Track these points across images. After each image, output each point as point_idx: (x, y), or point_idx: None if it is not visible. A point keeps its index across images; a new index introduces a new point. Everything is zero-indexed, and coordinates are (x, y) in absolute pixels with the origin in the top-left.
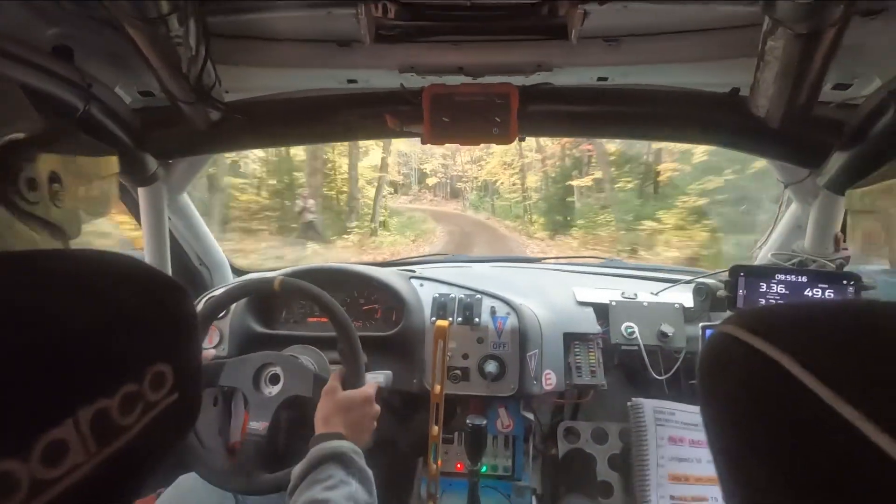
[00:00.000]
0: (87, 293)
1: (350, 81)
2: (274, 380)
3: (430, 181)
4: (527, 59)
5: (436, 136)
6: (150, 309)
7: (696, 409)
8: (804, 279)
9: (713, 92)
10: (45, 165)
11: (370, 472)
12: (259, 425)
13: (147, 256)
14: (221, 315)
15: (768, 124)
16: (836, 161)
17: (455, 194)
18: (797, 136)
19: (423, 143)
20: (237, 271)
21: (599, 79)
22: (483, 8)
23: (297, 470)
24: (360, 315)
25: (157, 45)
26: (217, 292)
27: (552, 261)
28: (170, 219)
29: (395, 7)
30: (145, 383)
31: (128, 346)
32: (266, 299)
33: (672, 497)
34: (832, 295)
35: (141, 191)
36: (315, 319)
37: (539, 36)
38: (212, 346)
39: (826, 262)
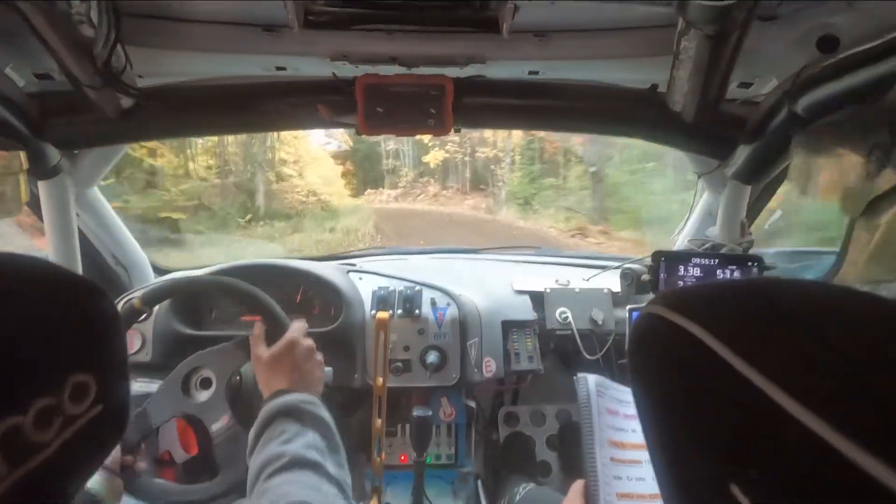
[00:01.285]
0: None
1: (278, 68)
2: (206, 383)
3: (434, 161)
4: (460, 51)
5: (370, 126)
6: (65, 313)
7: (623, 387)
8: (716, 262)
9: (635, 88)
10: None
11: (327, 417)
12: (221, 422)
13: (52, 257)
14: (142, 318)
15: (683, 119)
16: (741, 153)
17: (481, 182)
18: (708, 130)
19: (358, 133)
20: (160, 271)
21: (531, 73)
22: None
23: (251, 432)
24: (296, 311)
25: (55, 24)
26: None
27: (489, 251)
28: (78, 215)
29: None
30: (64, 396)
31: (40, 356)
32: (193, 299)
33: (612, 459)
34: (739, 275)
35: (42, 185)
36: (249, 318)
37: (472, 28)
38: (132, 352)
39: (734, 246)
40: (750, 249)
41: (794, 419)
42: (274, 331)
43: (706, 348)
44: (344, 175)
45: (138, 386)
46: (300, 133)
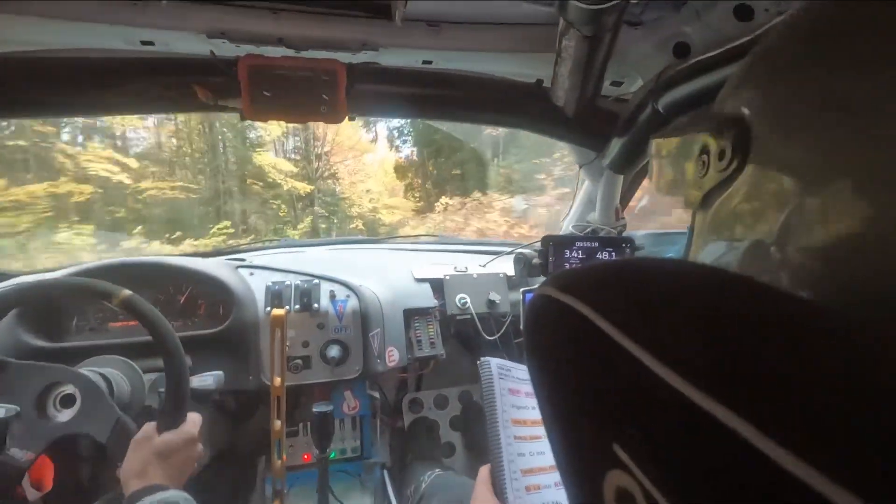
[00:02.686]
0: None
1: (145, 43)
2: (67, 402)
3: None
4: (352, 35)
5: (257, 111)
6: None
7: (524, 367)
8: (596, 244)
9: (523, 82)
10: None
11: None
12: (23, 455)
13: None
14: None
15: (565, 113)
16: (615, 146)
17: None
18: (586, 124)
19: (243, 119)
20: (1, 275)
21: (424, 62)
22: None
23: None
24: (179, 313)
25: None
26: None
27: (389, 241)
28: None
29: None
30: None
31: None
32: (44, 305)
33: (515, 437)
34: (615, 256)
35: None
36: (120, 324)
37: (364, 13)
38: None
39: (610, 229)
40: (623, 232)
41: (661, 379)
42: (170, 418)
43: (590, 323)
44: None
45: None
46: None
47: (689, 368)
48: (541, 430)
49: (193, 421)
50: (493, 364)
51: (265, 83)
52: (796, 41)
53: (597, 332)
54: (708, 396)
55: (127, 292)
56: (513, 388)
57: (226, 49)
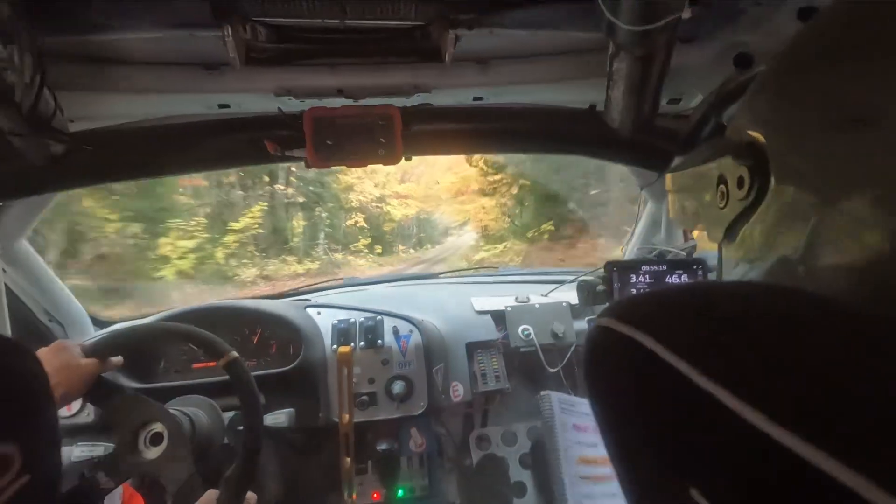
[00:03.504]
0: None
1: (221, 106)
2: (155, 440)
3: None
4: (405, 80)
5: (320, 159)
6: None
7: None
8: (664, 268)
9: (574, 108)
10: None
11: None
12: (107, 481)
13: None
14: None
15: (621, 135)
16: (677, 164)
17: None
18: (645, 144)
19: (308, 167)
20: (99, 323)
21: (475, 98)
22: (358, 31)
23: None
24: (253, 353)
25: None
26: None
27: (449, 274)
28: (4, 271)
29: (266, 29)
30: None
31: None
32: (139, 350)
33: (581, 477)
34: (686, 279)
35: None
36: (201, 365)
37: (415, 59)
38: (71, 414)
39: (679, 251)
40: (694, 253)
41: (744, 419)
42: (233, 487)
43: (654, 356)
44: None
45: (80, 451)
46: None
47: (778, 407)
48: (611, 471)
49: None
50: (555, 398)
51: (327, 132)
52: (808, 57)
53: (663, 365)
54: (807, 443)
55: (234, 354)
56: (579, 425)
57: (291, 104)
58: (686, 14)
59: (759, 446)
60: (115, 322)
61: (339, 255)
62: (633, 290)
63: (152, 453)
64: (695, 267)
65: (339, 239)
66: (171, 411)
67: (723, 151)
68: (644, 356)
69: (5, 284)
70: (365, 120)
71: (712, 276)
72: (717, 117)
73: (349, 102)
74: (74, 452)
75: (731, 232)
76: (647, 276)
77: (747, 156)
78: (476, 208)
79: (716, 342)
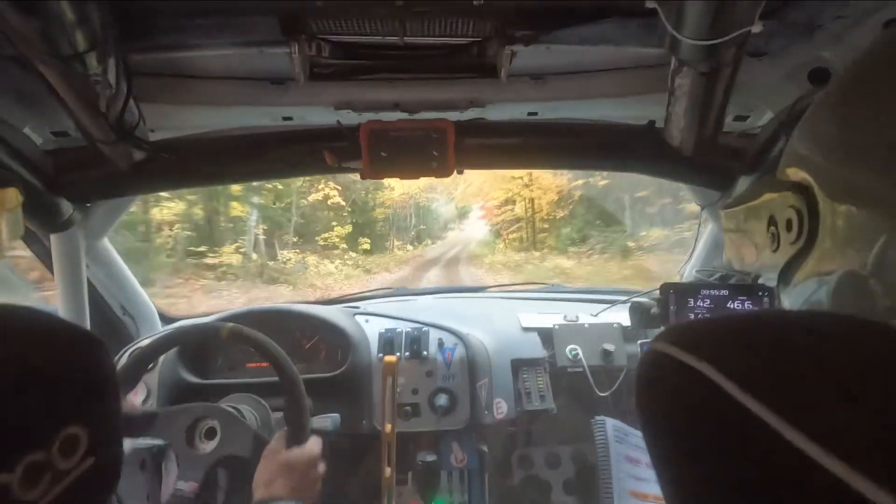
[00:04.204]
0: None
1: (285, 119)
2: (210, 434)
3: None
4: (460, 95)
5: (374, 171)
6: (59, 366)
7: None
8: (726, 293)
9: (632, 124)
10: None
11: None
12: (188, 486)
13: (61, 309)
14: (150, 367)
15: (682, 153)
16: (743, 184)
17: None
18: (707, 163)
19: (363, 178)
20: (166, 319)
21: (529, 113)
22: (417, 48)
23: None
24: (303, 356)
25: (72, 84)
26: (144, 342)
27: (496, 289)
28: (88, 266)
29: (329, 46)
30: (54, 450)
31: (31, 410)
32: (199, 347)
33: None
34: (750, 305)
35: (54, 238)
36: (255, 365)
37: (471, 74)
38: (138, 402)
39: (743, 275)
40: (759, 278)
41: (815, 462)
42: (295, 436)
43: (716, 388)
44: None
45: (143, 440)
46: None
47: (852, 453)
48: None
49: (315, 441)
50: (609, 426)
51: (382, 145)
52: (884, 68)
53: (724, 398)
54: (883, 490)
55: (229, 325)
56: (632, 457)
57: (349, 118)
58: (757, 29)
59: (838, 496)
60: (179, 319)
61: (287, 258)
62: (691, 315)
63: (209, 446)
64: (760, 293)
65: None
66: (224, 407)
67: (770, 191)
68: (704, 387)
69: (87, 279)
70: (419, 133)
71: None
72: (787, 136)
73: (405, 116)
74: (137, 442)
75: (785, 276)
76: (707, 300)
77: (795, 197)
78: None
79: (789, 378)
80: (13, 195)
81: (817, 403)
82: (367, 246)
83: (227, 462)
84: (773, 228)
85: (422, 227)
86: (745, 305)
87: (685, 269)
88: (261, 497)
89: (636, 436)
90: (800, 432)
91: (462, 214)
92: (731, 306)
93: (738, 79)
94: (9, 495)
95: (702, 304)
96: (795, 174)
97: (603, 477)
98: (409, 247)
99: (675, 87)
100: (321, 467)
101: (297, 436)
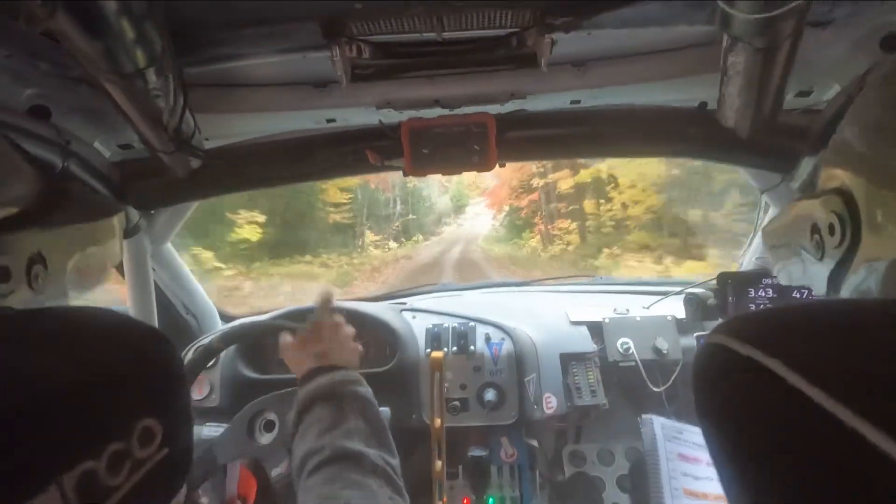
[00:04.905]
0: (67, 352)
1: (329, 121)
2: (269, 426)
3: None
4: (500, 88)
5: (417, 168)
6: (134, 363)
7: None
8: None
9: (682, 107)
10: (23, 247)
11: (368, 394)
12: (282, 469)
13: (132, 310)
14: (211, 364)
15: (738, 135)
16: (807, 165)
17: None
18: (767, 144)
19: (405, 175)
20: (226, 318)
21: (572, 102)
22: (455, 43)
23: (290, 417)
24: None
25: (134, 99)
26: (206, 340)
27: (541, 282)
28: (154, 270)
29: (369, 47)
30: (133, 440)
31: (113, 403)
32: (257, 344)
33: None
34: (815, 294)
35: (124, 244)
36: None
37: (511, 66)
38: (202, 397)
39: None
40: None
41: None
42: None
43: (779, 380)
44: None
45: (208, 430)
46: None
47: None
48: None
49: (319, 304)
50: (657, 424)
51: (424, 142)
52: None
53: (792, 393)
54: None
55: (301, 326)
56: (686, 455)
57: (391, 116)
58: None
59: None
60: (238, 317)
61: None
62: (751, 306)
63: (265, 439)
64: None
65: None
66: (274, 395)
67: (807, 197)
68: (768, 381)
69: (154, 281)
70: (460, 128)
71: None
72: None
73: (445, 112)
74: (203, 432)
75: (834, 282)
76: (769, 290)
77: (834, 198)
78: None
79: (864, 372)
80: (121, 220)
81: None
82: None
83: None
84: (816, 237)
85: (411, 217)
86: (811, 294)
87: (744, 258)
88: (300, 376)
89: (692, 433)
90: (879, 430)
91: (459, 207)
92: (797, 295)
93: (799, 52)
94: (96, 480)
95: (763, 294)
96: (834, 176)
97: (652, 477)
98: (392, 244)
99: (727, 66)
100: (346, 327)
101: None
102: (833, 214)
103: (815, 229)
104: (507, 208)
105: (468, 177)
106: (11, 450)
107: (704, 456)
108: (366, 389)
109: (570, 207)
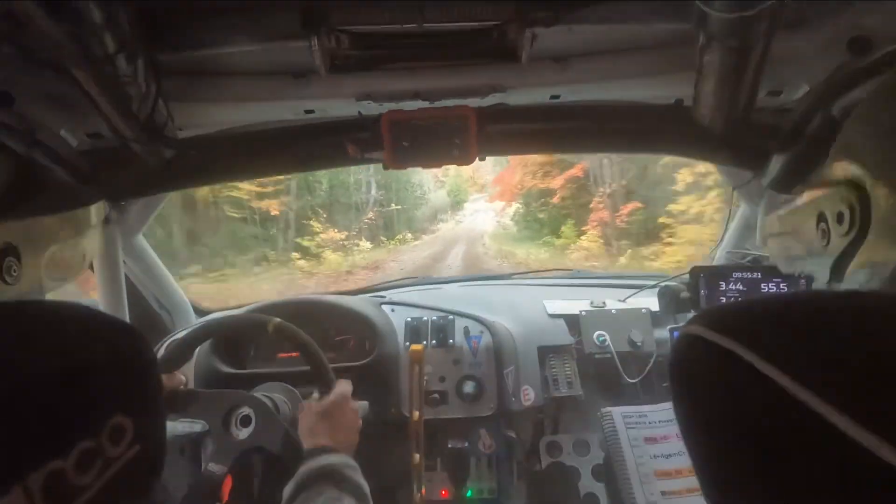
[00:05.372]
0: (33, 347)
1: (307, 112)
2: (245, 422)
3: None
4: (481, 81)
5: (396, 160)
6: (105, 358)
7: (668, 405)
8: (759, 275)
9: (659, 104)
10: None
11: (364, 485)
12: (218, 468)
13: (101, 303)
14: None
15: (712, 132)
16: (777, 162)
17: None
18: (739, 141)
19: (385, 168)
20: (199, 312)
21: (552, 97)
22: (435, 35)
23: (287, 490)
24: (332, 346)
25: (104, 87)
26: (180, 335)
27: (521, 276)
28: (125, 262)
29: (349, 37)
30: (103, 438)
31: (82, 400)
32: (233, 338)
33: (663, 492)
34: (786, 288)
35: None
36: (286, 355)
37: (491, 59)
38: None
39: None
40: None
41: (861, 446)
42: (323, 385)
43: (754, 371)
44: None
45: (182, 426)
46: None
47: None
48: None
49: (343, 383)
50: (617, 414)
51: (403, 134)
52: None
53: (762, 381)
54: None
55: (277, 320)
56: (652, 436)
57: (370, 108)
58: None
59: (886, 481)
60: (212, 311)
61: None
62: (723, 299)
63: (244, 433)
64: (797, 275)
65: None
66: (257, 395)
67: (816, 187)
68: (741, 370)
69: (125, 275)
70: (440, 121)
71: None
72: (824, 110)
73: (425, 104)
74: (177, 428)
75: (837, 269)
76: (740, 283)
77: (846, 189)
78: None
79: (832, 360)
80: (101, 209)
81: (862, 385)
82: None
83: (260, 452)
84: (822, 225)
85: (395, 207)
86: (780, 288)
87: (716, 252)
88: (307, 446)
89: (657, 411)
90: (845, 415)
91: (457, 203)
92: (766, 289)
93: (771, 52)
94: (64, 480)
95: (734, 288)
96: (845, 168)
97: (619, 470)
98: (364, 243)
99: (703, 64)
100: (354, 405)
101: (324, 385)
102: (843, 204)
103: (821, 218)
104: (520, 198)
105: (466, 171)
106: None
107: (673, 430)
108: (362, 480)
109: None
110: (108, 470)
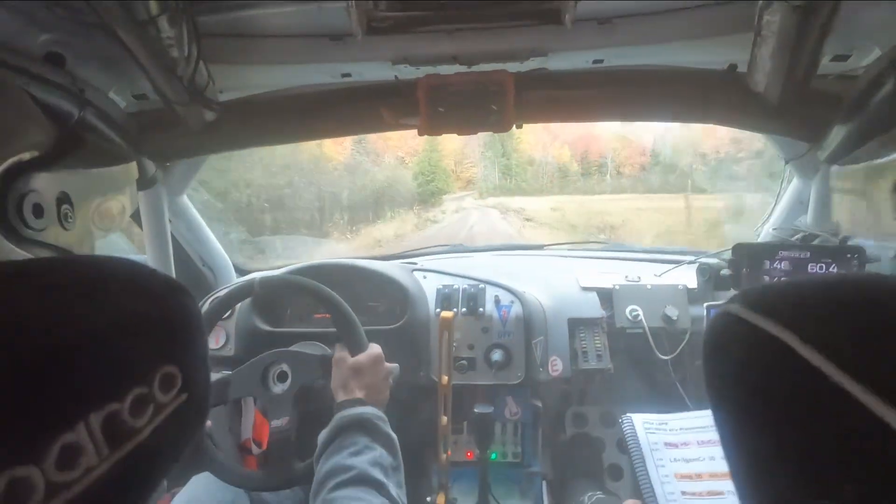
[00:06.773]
0: (92, 299)
1: (344, 75)
2: (282, 377)
3: None
4: (521, 45)
5: (432, 127)
6: (156, 312)
7: (690, 413)
8: (807, 255)
9: (710, 69)
10: (52, 186)
11: (394, 436)
12: (281, 422)
13: (150, 260)
14: (226, 315)
15: (767, 100)
16: (837, 134)
17: None
18: (796, 110)
19: (420, 134)
20: (241, 271)
21: (595, 62)
22: None
23: (322, 436)
24: (364, 310)
25: (148, 48)
26: (222, 292)
27: (554, 247)
28: (171, 221)
29: None
30: (155, 385)
31: (135, 349)
32: (271, 298)
33: (683, 493)
34: (836, 269)
35: (141, 195)
36: (321, 316)
37: (533, 21)
38: (218, 347)
39: (829, 236)
40: (849, 240)
41: None
42: (354, 346)
43: (794, 354)
44: None
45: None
46: None
47: None
48: (724, 486)
49: (375, 346)
50: (636, 421)
51: (440, 100)
52: None
53: (803, 365)
54: None
55: (258, 276)
56: (672, 442)
57: (407, 72)
58: None
59: None
60: (253, 271)
61: None
62: (766, 278)
63: (280, 388)
64: (849, 256)
65: None
66: (292, 350)
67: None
68: (780, 353)
69: (171, 233)
70: (477, 87)
71: (871, 268)
72: None
73: (463, 69)
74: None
75: None
76: (786, 262)
77: None
78: None
79: (878, 348)
80: (134, 169)
81: None
82: None
83: (305, 394)
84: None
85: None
86: (831, 269)
87: (762, 229)
88: (340, 399)
89: (677, 419)
90: (889, 406)
91: (429, 194)
92: (814, 270)
93: (840, 12)
94: (121, 420)
95: (779, 267)
96: None
97: (638, 470)
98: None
99: (761, 25)
100: (387, 366)
101: (355, 346)
102: None
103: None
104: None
105: (448, 162)
106: (43, 389)
107: (693, 437)
108: (391, 430)
109: None
110: (159, 415)
